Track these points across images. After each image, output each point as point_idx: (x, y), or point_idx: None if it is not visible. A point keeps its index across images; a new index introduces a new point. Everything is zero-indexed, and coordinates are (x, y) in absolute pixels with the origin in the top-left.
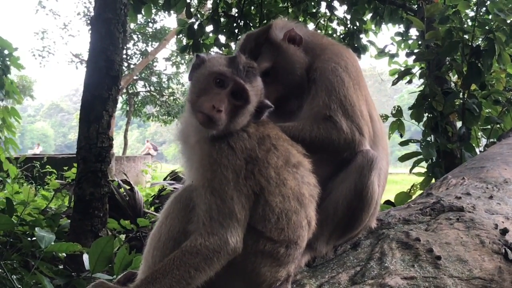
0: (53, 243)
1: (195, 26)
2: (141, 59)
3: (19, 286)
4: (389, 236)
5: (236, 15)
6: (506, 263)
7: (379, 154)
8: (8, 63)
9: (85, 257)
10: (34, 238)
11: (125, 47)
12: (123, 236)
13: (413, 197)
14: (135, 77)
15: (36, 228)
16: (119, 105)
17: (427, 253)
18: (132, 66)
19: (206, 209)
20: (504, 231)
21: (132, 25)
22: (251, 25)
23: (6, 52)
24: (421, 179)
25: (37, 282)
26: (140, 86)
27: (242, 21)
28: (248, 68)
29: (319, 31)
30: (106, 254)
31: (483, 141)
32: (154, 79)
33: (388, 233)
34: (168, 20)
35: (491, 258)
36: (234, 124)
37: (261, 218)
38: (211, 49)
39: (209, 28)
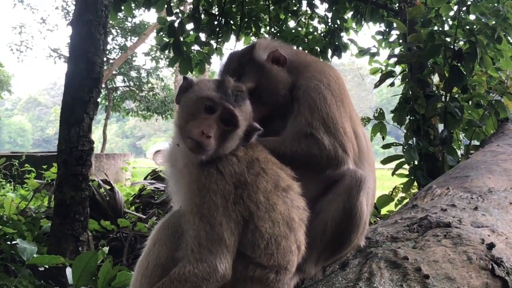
0: (35, 255)
1: (176, 24)
2: (120, 53)
3: None
4: (377, 255)
5: (217, 13)
6: (493, 279)
7: (366, 173)
8: None
9: (68, 271)
10: (14, 242)
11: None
12: (106, 249)
13: (395, 199)
14: (114, 72)
15: (18, 240)
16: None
17: (415, 272)
18: (111, 61)
19: (195, 235)
20: (491, 246)
21: (111, 20)
22: (232, 23)
23: None
24: (403, 180)
25: None
26: (119, 81)
27: (223, 19)
28: (237, 92)
29: (300, 28)
30: (90, 269)
31: (465, 143)
32: (133, 74)
33: (376, 251)
34: (148, 15)
35: (478, 274)
36: (223, 148)
37: (251, 243)
38: (192, 47)
39: (190, 26)
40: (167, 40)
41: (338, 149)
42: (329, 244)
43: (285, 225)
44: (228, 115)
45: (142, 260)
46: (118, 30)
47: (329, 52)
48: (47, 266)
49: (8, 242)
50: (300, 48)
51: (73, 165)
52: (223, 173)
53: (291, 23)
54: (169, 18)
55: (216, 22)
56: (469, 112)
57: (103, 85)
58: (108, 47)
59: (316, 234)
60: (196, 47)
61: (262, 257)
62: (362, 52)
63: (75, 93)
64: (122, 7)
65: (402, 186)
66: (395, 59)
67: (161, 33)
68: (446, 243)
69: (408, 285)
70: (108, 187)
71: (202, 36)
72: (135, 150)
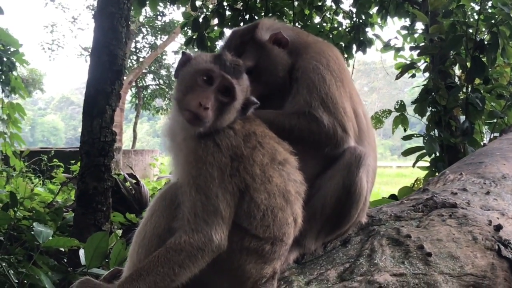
0: (51, 237)
1: (200, 20)
2: (150, 52)
3: (16, 280)
4: (380, 233)
5: (242, 8)
6: (499, 260)
7: (366, 151)
8: (14, 60)
9: (81, 252)
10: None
11: (135, 40)
12: (119, 231)
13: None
14: (144, 71)
15: (34, 223)
16: (128, 99)
17: (417, 250)
18: (141, 59)
19: (191, 206)
20: (498, 227)
21: (141, 18)
22: (257, 18)
23: (12, 49)
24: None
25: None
26: (149, 80)
27: (248, 15)
28: (235, 65)
29: (324, 24)
30: (102, 249)
31: (488, 135)
32: (163, 72)
33: (378, 229)
34: (177, 13)
35: (484, 254)
36: (221, 121)
37: (246, 215)
38: (216, 42)
39: (214, 22)
40: (191, 35)
41: (338, 128)
42: (329, 220)
43: (281, 197)
44: (227, 86)
45: (139, 230)
46: (148, 29)
47: (354, 47)
48: (63, 249)
49: (32, 232)
50: None
51: (96, 156)
52: (220, 146)
53: (316, 19)
54: (194, 14)
55: (240, 17)
56: (491, 103)
57: (133, 84)
58: (138, 45)
59: (316, 209)
60: (220, 43)
61: (258, 229)
62: (387, 46)
63: (98, 85)
64: (147, 2)
65: (423, 178)
66: (418, 51)
67: (186, 28)
68: (451, 223)
69: (410, 262)
70: (134, 181)
71: (227, 32)
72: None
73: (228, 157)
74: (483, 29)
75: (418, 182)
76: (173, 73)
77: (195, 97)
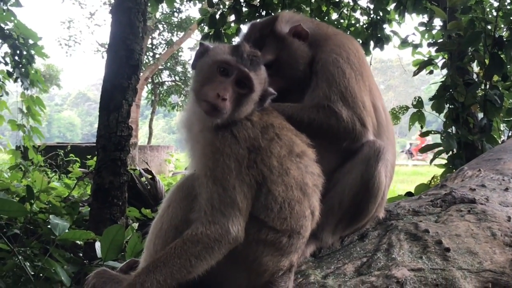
0: (67, 230)
1: (217, 16)
2: (166, 48)
3: (32, 272)
4: (398, 228)
5: (258, 4)
6: None
7: (385, 145)
8: (33, 52)
9: (97, 245)
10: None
11: (151, 37)
12: (135, 225)
13: None
14: (160, 67)
15: (50, 216)
16: (144, 95)
17: (435, 245)
18: (157, 55)
19: (208, 198)
20: None
21: (157, 15)
22: (273, 14)
23: (30, 41)
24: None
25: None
26: (165, 76)
27: (264, 11)
28: (252, 57)
29: (342, 20)
30: (118, 242)
31: (506, 133)
32: (179, 68)
33: (396, 224)
34: (194, 10)
35: (503, 250)
36: (238, 112)
37: (264, 207)
38: (233, 39)
39: (231, 18)
40: (208, 31)
41: (356, 122)
42: (347, 214)
43: (299, 190)
44: (243, 78)
45: (156, 221)
46: (165, 25)
47: (371, 44)
48: (79, 243)
49: (48, 226)
50: None
51: (112, 150)
52: (237, 138)
53: (333, 15)
54: (210, 10)
55: (257, 14)
56: (510, 100)
57: (149, 80)
58: (155, 42)
59: (333, 203)
60: (237, 39)
61: (275, 221)
62: (404, 43)
63: (114, 79)
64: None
65: (440, 175)
66: (436, 47)
67: (202, 24)
68: (470, 219)
69: (428, 258)
70: (149, 176)
71: (244, 28)
72: (182, 146)
73: (245, 149)
74: (502, 26)
75: (435, 180)
76: (189, 69)
77: (213, 88)
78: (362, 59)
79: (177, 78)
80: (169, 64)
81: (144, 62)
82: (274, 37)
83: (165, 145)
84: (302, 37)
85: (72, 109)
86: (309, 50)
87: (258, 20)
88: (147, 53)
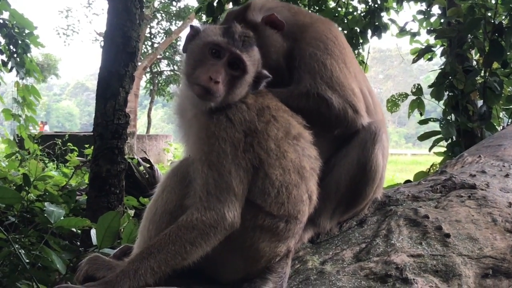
0: (63, 218)
1: (215, 4)
2: (164, 38)
3: (28, 261)
4: (397, 213)
5: None
6: None
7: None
8: (28, 42)
9: (93, 232)
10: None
11: (149, 26)
12: (132, 212)
13: None
14: (158, 56)
15: (46, 204)
16: (142, 84)
17: (435, 231)
18: (155, 45)
19: (203, 183)
20: None
21: (156, 4)
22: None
23: (26, 31)
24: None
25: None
26: (163, 65)
27: None
28: (244, 37)
29: (339, 8)
30: (113, 229)
31: (505, 120)
32: (177, 58)
33: (396, 210)
34: None
35: (503, 236)
36: (232, 95)
37: (261, 192)
38: None
39: (229, 6)
40: (206, 20)
41: (348, 109)
42: (344, 198)
43: (296, 173)
44: (236, 60)
45: (150, 206)
46: (163, 14)
47: (369, 32)
48: (74, 230)
49: (45, 214)
50: (340, 29)
51: (109, 138)
52: (232, 121)
53: (331, 3)
54: None
55: None
56: (509, 87)
57: (148, 69)
58: (153, 31)
59: (331, 188)
60: None
61: (272, 206)
62: (402, 31)
63: (111, 67)
64: None
65: (439, 163)
66: (435, 34)
67: (200, 13)
68: (470, 204)
69: (428, 243)
70: (147, 165)
71: None
72: (176, 133)
73: (241, 132)
74: (502, 12)
75: (434, 168)
76: None
77: (205, 71)
78: (342, 45)
79: (175, 67)
80: (167, 53)
81: (143, 51)
82: (246, 26)
83: (163, 134)
84: (277, 27)
85: (70, 99)
86: (283, 40)
87: (233, 9)
88: (146, 43)
